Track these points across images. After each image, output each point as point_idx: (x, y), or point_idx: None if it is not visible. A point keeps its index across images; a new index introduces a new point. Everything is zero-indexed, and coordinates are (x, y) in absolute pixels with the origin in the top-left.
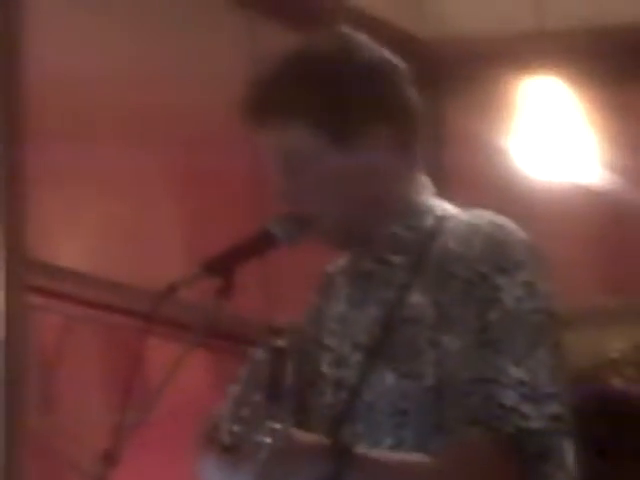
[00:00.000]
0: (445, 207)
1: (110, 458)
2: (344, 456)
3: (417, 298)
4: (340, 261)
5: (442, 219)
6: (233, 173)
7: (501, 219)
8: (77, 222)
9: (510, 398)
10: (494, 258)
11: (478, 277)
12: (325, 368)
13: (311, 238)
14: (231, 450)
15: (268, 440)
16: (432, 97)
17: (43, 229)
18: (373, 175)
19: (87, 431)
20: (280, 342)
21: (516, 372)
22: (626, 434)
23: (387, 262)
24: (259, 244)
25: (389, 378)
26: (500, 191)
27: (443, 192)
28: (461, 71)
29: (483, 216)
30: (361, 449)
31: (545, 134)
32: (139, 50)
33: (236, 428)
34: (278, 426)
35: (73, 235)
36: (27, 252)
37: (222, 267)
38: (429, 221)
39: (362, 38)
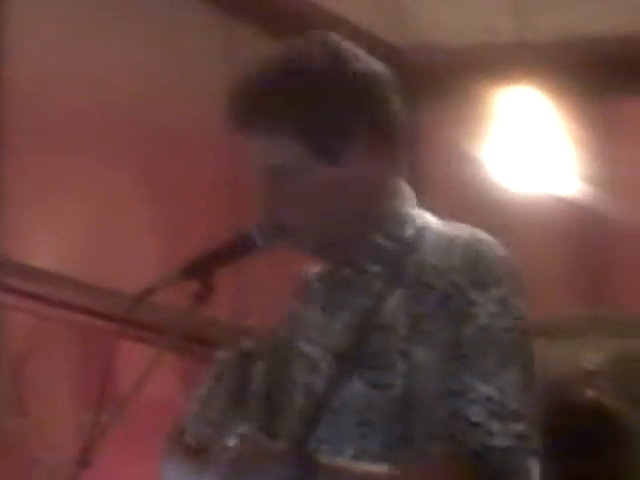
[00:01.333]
0: (426, 218)
1: (83, 459)
2: (308, 464)
3: (392, 307)
4: (317, 267)
5: (422, 229)
6: (209, 180)
7: (481, 233)
8: (54, 226)
9: (477, 414)
10: (471, 272)
11: (454, 289)
12: (297, 373)
13: (288, 244)
14: (196, 452)
15: (233, 443)
16: (410, 106)
17: (19, 232)
18: (357, 187)
19: (57, 431)
20: (248, 345)
21: (485, 389)
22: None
23: (365, 271)
24: (237, 248)
25: (358, 387)
26: (477, 201)
27: (419, 202)
28: (439, 81)
29: (463, 229)
30: (325, 457)
31: (523, 145)
32: (115, 59)
33: (202, 430)
34: (244, 430)
35: (49, 238)
36: (2, 253)
37: (200, 271)
38: (409, 232)
39: (350, 47)
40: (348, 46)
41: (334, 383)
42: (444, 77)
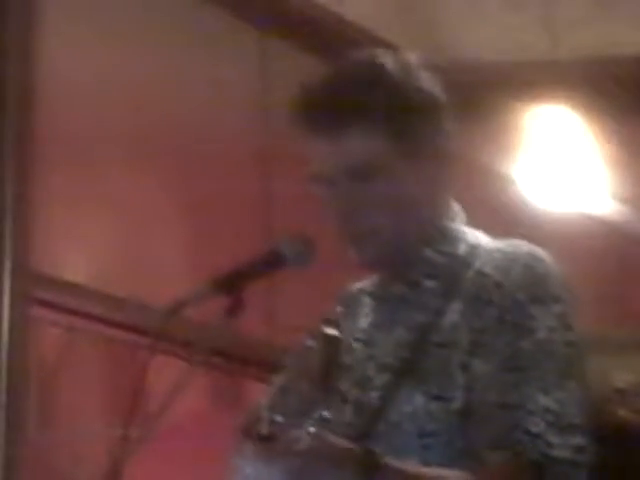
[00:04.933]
0: (477, 235)
1: (113, 473)
2: (377, 464)
3: (451, 322)
4: (364, 282)
5: (476, 247)
6: (240, 194)
7: (539, 251)
8: (84, 238)
9: (536, 425)
10: (532, 288)
11: (514, 305)
12: (344, 386)
13: (317, 260)
14: (268, 440)
15: (309, 431)
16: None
17: (49, 244)
18: (422, 197)
19: (85, 446)
20: (333, 330)
21: (544, 400)
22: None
23: (419, 286)
24: (268, 264)
25: (418, 399)
26: (508, 219)
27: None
28: (472, 98)
29: (521, 246)
30: (392, 459)
31: (554, 163)
32: (148, 72)
33: (278, 418)
34: (326, 414)
35: (79, 251)
36: (32, 265)
37: (231, 285)
38: (462, 248)
39: (418, 65)
40: (416, 64)
41: (390, 398)
42: (477, 94)
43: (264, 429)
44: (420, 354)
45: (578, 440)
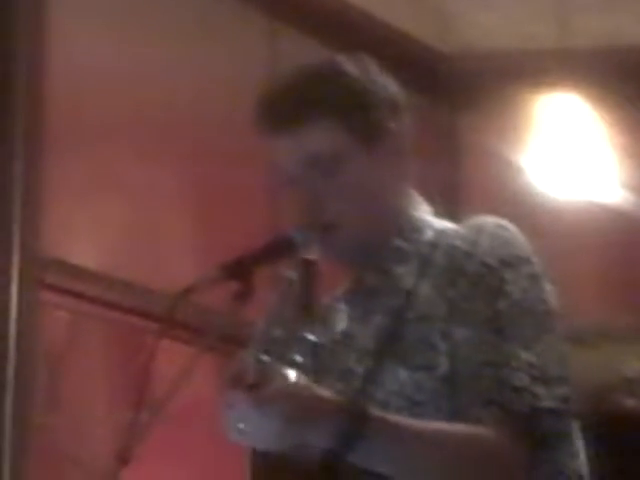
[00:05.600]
0: (444, 223)
1: (122, 457)
2: (361, 414)
3: (426, 296)
4: (336, 291)
5: (442, 231)
6: (249, 180)
7: (502, 220)
8: (92, 223)
9: (521, 380)
10: (500, 252)
11: (486, 269)
12: (327, 384)
13: (326, 246)
14: (257, 387)
15: (290, 377)
16: (452, 110)
17: (58, 229)
18: (384, 186)
19: (93, 429)
20: (310, 255)
21: (526, 355)
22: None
23: (390, 273)
24: (278, 250)
25: (402, 373)
26: (516, 207)
27: (457, 206)
28: (480, 86)
29: (484, 219)
30: (378, 411)
31: (563, 152)
32: (157, 62)
33: (265, 357)
34: (298, 358)
35: (87, 236)
36: (41, 250)
37: (241, 271)
38: (429, 234)
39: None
40: (374, 66)
41: (372, 381)
42: (485, 83)
43: (251, 377)
44: (399, 333)
45: (563, 390)
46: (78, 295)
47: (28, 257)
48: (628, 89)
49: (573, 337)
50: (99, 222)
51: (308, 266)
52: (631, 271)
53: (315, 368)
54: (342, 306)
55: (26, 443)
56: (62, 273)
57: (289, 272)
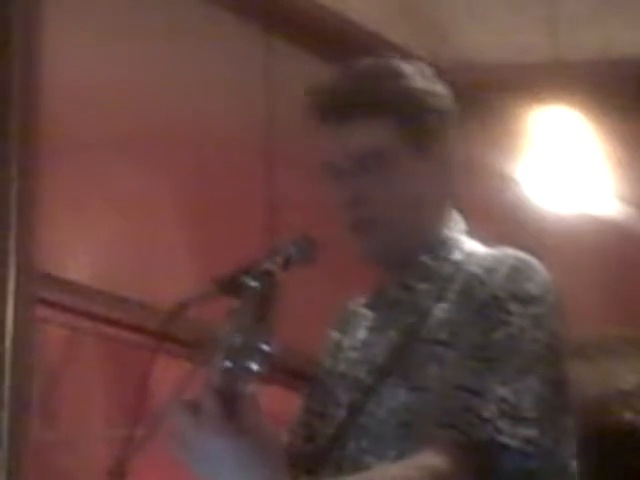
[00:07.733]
0: (474, 245)
1: (117, 472)
2: None
3: (438, 320)
4: (361, 298)
5: (470, 254)
6: (244, 193)
7: (528, 257)
8: (89, 238)
9: (490, 411)
10: (513, 287)
11: (493, 300)
12: (340, 394)
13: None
14: (222, 393)
15: (255, 367)
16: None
17: (54, 244)
18: (429, 193)
19: (89, 445)
20: (269, 266)
21: (502, 391)
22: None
23: (412, 289)
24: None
25: (401, 394)
26: (512, 220)
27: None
28: (475, 99)
29: (511, 252)
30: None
31: (559, 164)
32: (153, 73)
33: (227, 363)
34: (266, 348)
35: (84, 251)
36: (37, 265)
37: (235, 285)
38: (457, 256)
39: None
40: (431, 73)
41: (371, 395)
42: (480, 96)
43: (217, 381)
44: (405, 352)
45: (531, 432)
46: (74, 311)
47: (24, 273)
48: (621, 101)
49: (569, 350)
50: (95, 238)
51: (267, 277)
52: (627, 283)
53: (332, 370)
54: (367, 312)
55: (22, 459)
56: (58, 289)
57: (252, 282)
